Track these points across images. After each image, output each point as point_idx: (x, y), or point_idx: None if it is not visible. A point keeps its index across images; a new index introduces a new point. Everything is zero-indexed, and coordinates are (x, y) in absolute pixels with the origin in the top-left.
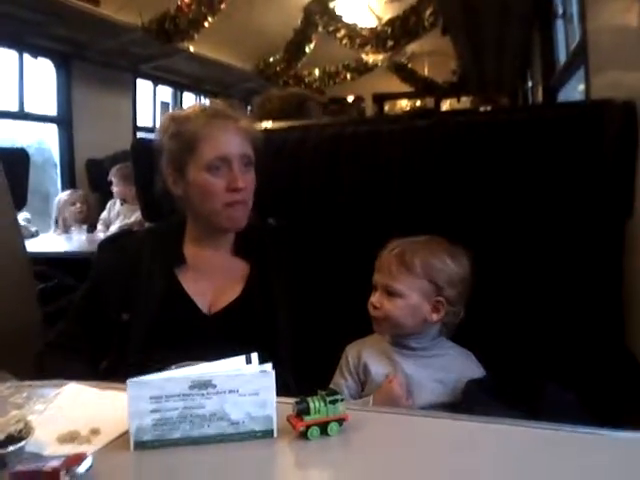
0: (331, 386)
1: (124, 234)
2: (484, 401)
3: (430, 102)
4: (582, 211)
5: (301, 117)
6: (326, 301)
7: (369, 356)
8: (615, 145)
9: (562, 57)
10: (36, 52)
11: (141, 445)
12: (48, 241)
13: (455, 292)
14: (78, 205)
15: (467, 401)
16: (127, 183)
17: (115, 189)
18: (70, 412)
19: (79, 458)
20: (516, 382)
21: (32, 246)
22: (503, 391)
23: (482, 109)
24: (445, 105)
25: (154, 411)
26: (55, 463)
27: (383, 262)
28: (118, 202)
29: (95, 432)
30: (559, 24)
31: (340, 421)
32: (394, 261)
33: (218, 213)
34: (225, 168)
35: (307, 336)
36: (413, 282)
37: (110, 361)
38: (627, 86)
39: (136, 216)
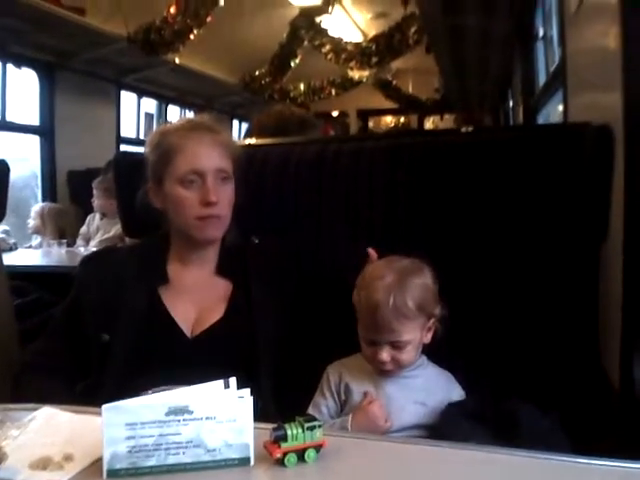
0: (311, 406)
1: (107, 251)
2: (464, 426)
3: (414, 119)
4: (558, 233)
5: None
6: (309, 321)
7: (350, 376)
8: (591, 169)
9: (542, 78)
10: (20, 62)
11: (115, 473)
12: (27, 255)
13: (438, 307)
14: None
15: (447, 425)
16: (108, 196)
17: (96, 202)
18: (43, 437)
19: None
20: (494, 406)
21: (10, 259)
22: (482, 415)
23: (464, 129)
24: (428, 122)
25: (129, 438)
26: None
27: (380, 321)
28: (97, 216)
29: (68, 458)
30: (539, 46)
31: (318, 447)
32: (392, 316)
33: (190, 226)
34: (199, 182)
35: (289, 356)
36: (413, 324)
37: (89, 381)
38: (604, 109)
39: (115, 229)
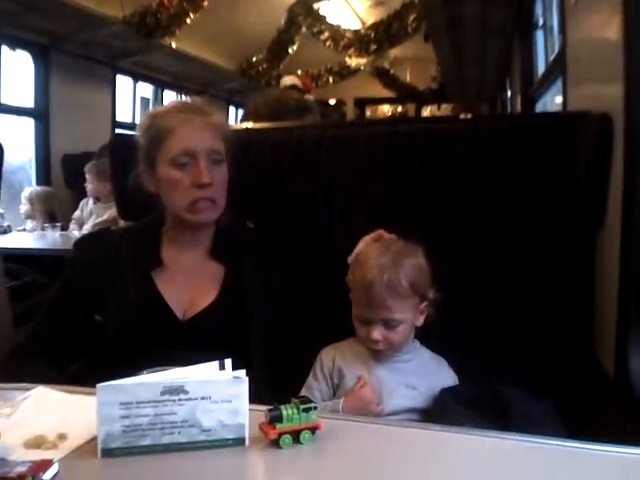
0: (303, 388)
1: (101, 233)
2: (457, 411)
3: (411, 108)
4: (555, 221)
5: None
6: (304, 305)
7: (344, 360)
8: (590, 157)
9: (541, 68)
10: (14, 44)
11: (109, 452)
12: (20, 238)
13: (432, 290)
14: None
15: (440, 410)
16: (101, 179)
17: (89, 186)
18: (37, 416)
19: (45, 465)
20: (488, 391)
21: (3, 242)
22: (476, 401)
23: (462, 116)
24: (426, 112)
25: (124, 417)
26: (21, 469)
27: (374, 297)
28: (91, 201)
29: (62, 437)
30: (539, 35)
31: (313, 429)
32: (386, 293)
33: (184, 209)
34: (191, 163)
35: (283, 341)
36: (407, 304)
37: (81, 363)
38: (604, 98)
39: (109, 214)
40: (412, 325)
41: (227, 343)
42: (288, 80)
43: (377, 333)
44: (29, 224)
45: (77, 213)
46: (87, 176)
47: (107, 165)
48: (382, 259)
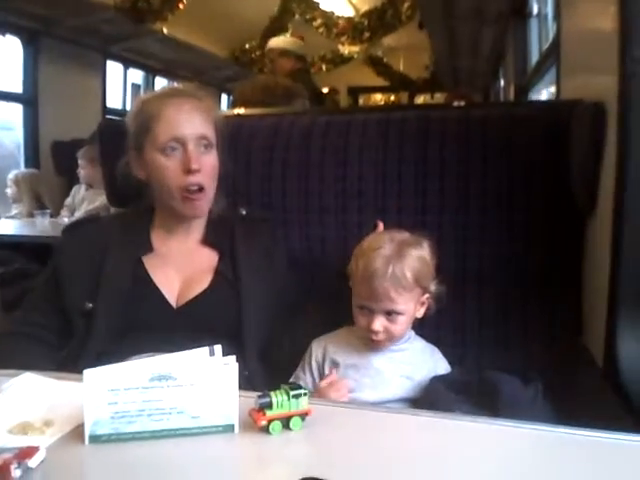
0: (292, 378)
1: (90, 219)
2: (448, 397)
3: (404, 97)
4: (546, 208)
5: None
6: (296, 292)
7: (337, 351)
8: (582, 144)
9: (535, 58)
10: (3, 29)
11: (96, 438)
12: (9, 224)
13: (434, 282)
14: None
15: (431, 396)
16: (95, 165)
17: (82, 172)
18: (23, 403)
19: (31, 451)
20: (478, 378)
21: None
22: (466, 387)
23: (456, 104)
24: (419, 100)
25: (111, 403)
26: (6, 455)
27: (377, 289)
28: (83, 187)
29: (48, 424)
30: (533, 24)
31: (303, 415)
32: (391, 286)
33: (175, 198)
34: (180, 149)
35: (276, 329)
36: (409, 296)
37: (70, 350)
38: (597, 87)
39: (101, 200)
40: (413, 316)
41: (220, 330)
42: (280, 42)
43: (378, 324)
44: (16, 209)
45: (69, 200)
46: (80, 162)
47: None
48: (386, 250)
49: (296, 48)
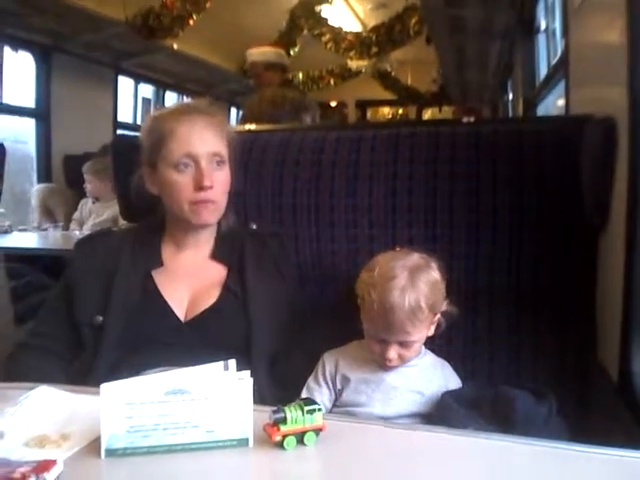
0: (304, 390)
1: (102, 233)
2: (460, 413)
3: (412, 111)
4: (558, 224)
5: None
6: (306, 308)
7: (347, 366)
8: (594, 160)
9: (543, 72)
10: (16, 44)
11: (113, 452)
12: (22, 237)
13: (446, 302)
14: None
15: (442, 413)
16: (101, 178)
17: (88, 186)
18: (40, 416)
19: (49, 465)
20: (490, 393)
21: (4, 242)
22: (478, 403)
23: (465, 120)
24: (427, 114)
25: (128, 417)
26: (24, 469)
27: (394, 324)
28: (90, 201)
29: (65, 437)
30: (541, 39)
31: (317, 431)
32: (406, 319)
33: (185, 211)
34: (193, 166)
35: (285, 343)
36: (424, 324)
37: (81, 363)
38: (607, 102)
39: (108, 213)
40: (425, 338)
41: (228, 344)
42: (262, 55)
43: (393, 352)
44: (32, 224)
45: (77, 214)
46: (85, 176)
47: (106, 163)
48: (401, 280)
49: (280, 59)
